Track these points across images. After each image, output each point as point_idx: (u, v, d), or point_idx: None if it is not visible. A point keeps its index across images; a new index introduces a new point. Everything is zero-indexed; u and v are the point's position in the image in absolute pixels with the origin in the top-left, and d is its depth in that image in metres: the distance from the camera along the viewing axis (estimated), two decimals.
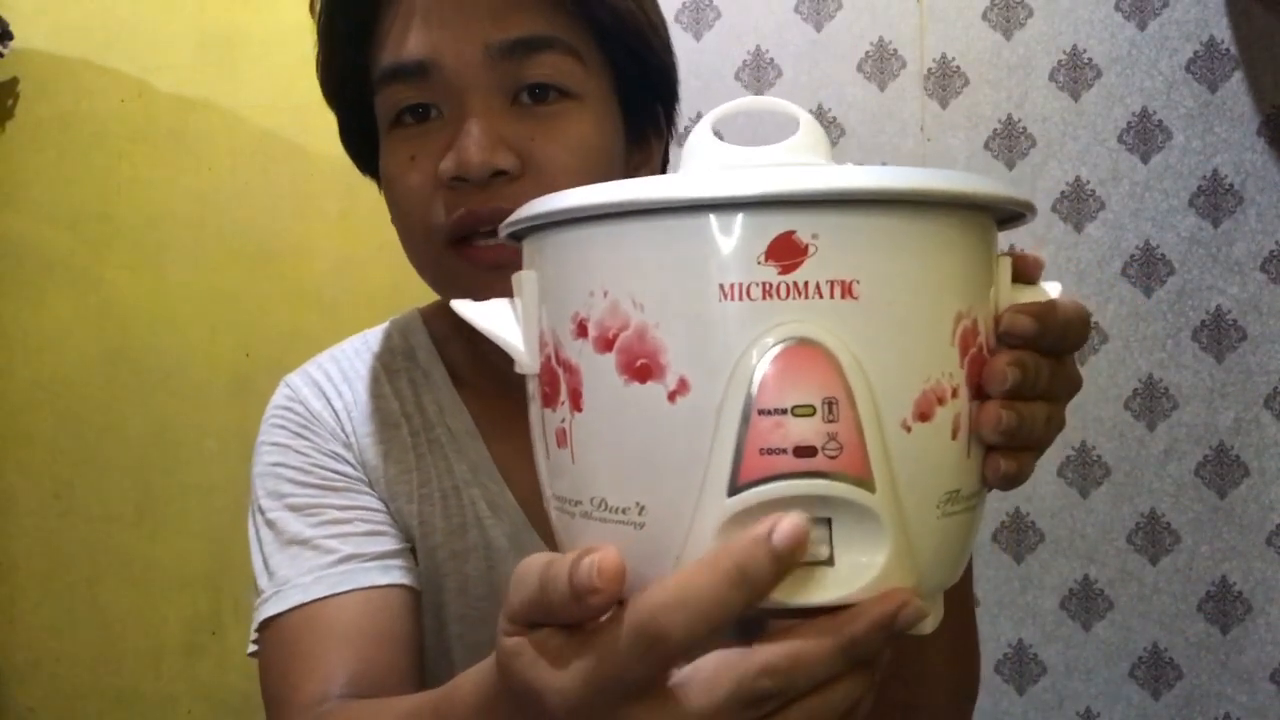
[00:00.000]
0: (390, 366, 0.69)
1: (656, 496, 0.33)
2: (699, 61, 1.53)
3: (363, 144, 0.65)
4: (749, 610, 0.31)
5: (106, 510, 1.69)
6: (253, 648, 0.63)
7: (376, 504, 0.65)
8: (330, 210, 1.64)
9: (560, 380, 0.35)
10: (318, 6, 0.63)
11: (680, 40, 1.53)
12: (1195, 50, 1.44)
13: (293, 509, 0.64)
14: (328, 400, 0.67)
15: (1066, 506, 1.47)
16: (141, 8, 1.69)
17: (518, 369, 0.37)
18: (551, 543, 0.65)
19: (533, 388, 0.37)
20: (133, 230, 1.69)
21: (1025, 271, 0.38)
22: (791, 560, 0.30)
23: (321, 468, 0.65)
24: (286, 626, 0.59)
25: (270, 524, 0.64)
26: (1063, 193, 1.47)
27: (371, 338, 0.72)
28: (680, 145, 0.73)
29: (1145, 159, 1.46)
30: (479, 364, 0.69)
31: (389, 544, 0.63)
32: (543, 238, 0.36)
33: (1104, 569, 1.46)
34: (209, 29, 1.68)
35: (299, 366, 0.71)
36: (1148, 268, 1.46)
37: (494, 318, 0.37)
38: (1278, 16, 1.42)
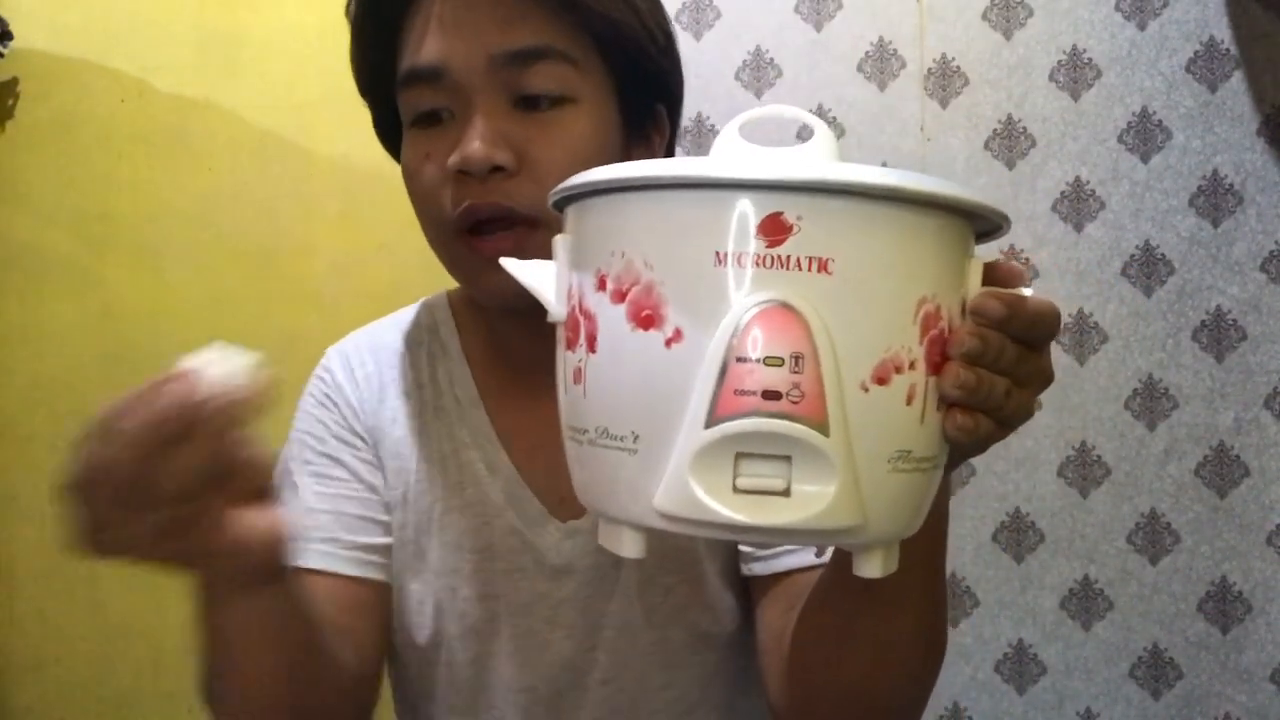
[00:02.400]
0: (415, 340, 0.77)
1: (648, 426, 0.38)
2: (699, 61, 1.52)
3: (395, 136, 0.71)
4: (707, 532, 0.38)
5: None
6: None
7: (374, 481, 0.72)
8: (330, 210, 1.64)
9: (581, 327, 0.41)
10: (352, 9, 0.69)
11: (680, 40, 1.52)
12: (1195, 50, 1.45)
13: (312, 475, 0.72)
14: (352, 370, 0.75)
15: (1066, 506, 1.47)
16: (141, 8, 1.69)
17: (550, 318, 0.43)
18: (543, 498, 0.71)
19: (559, 334, 0.43)
20: (133, 230, 1.69)
21: (1009, 278, 0.42)
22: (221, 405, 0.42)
23: (336, 438, 0.73)
24: None
25: (292, 484, 0.72)
26: (1063, 193, 1.47)
27: (405, 314, 0.80)
28: (684, 142, 0.75)
29: (1145, 159, 1.46)
30: (490, 342, 0.75)
31: (372, 534, 0.71)
32: (580, 206, 0.42)
33: (1104, 569, 1.46)
34: (209, 29, 1.68)
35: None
36: (1148, 268, 1.46)
37: (533, 273, 0.43)
38: (1278, 16, 1.42)
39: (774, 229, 0.36)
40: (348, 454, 0.73)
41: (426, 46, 0.62)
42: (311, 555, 0.68)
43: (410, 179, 0.66)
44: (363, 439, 0.73)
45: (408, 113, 0.65)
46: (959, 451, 0.43)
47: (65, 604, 1.69)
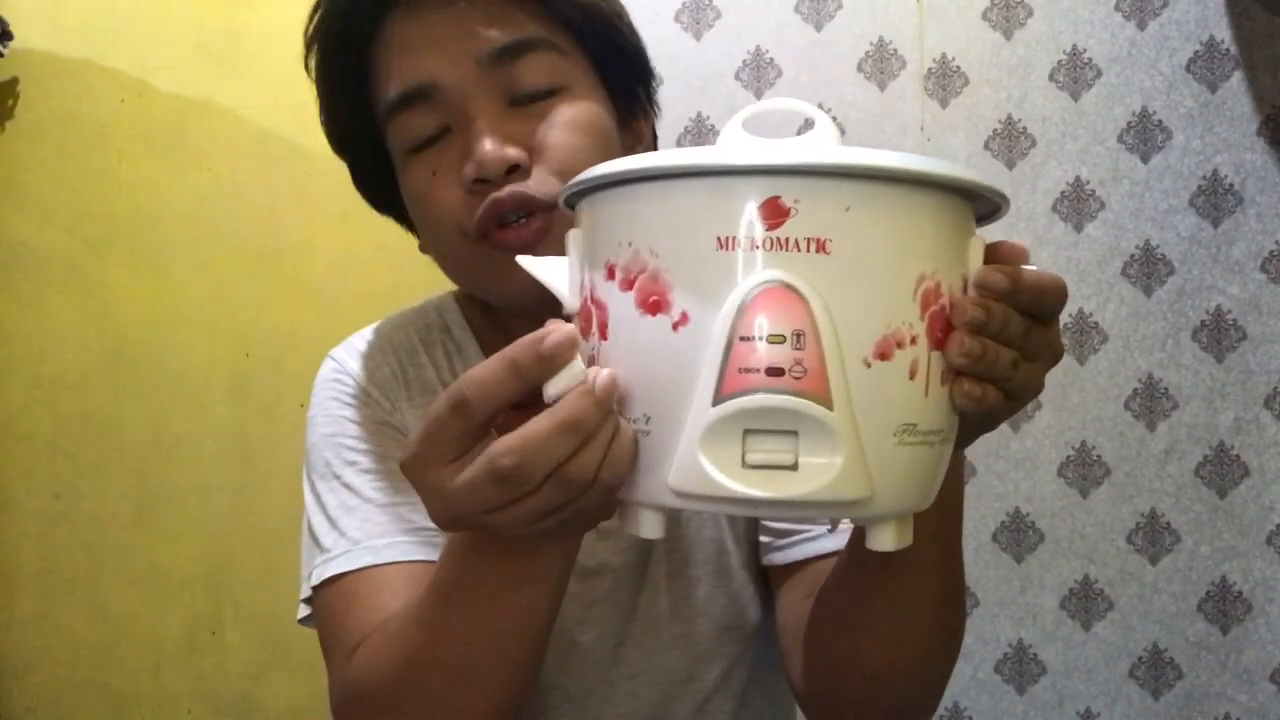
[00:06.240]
0: (427, 339, 0.75)
1: (659, 407, 0.40)
2: (699, 61, 1.52)
3: (379, 184, 0.70)
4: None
5: (106, 510, 1.69)
6: (307, 592, 0.67)
7: None
8: (330, 210, 1.64)
9: (593, 316, 0.42)
10: (312, 64, 0.68)
11: (680, 40, 1.53)
12: (1195, 50, 1.45)
13: (364, 472, 0.68)
14: (373, 370, 0.73)
15: (1066, 506, 1.47)
16: (141, 8, 1.69)
17: (564, 311, 0.45)
18: None
19: (574, 325, 0.44)
20: (133, 230, 1.69)
21: (1011, 255, 0.42)
22: (555, 361, 0.40)
23: (379, 435, 0.70)
24: (353, 582, 0.64)
25: (344, 487, 0.68)
26: (1063, 193, 1.47)
27: (409, 313, 0.78)
28: (684, 142, 0.75)
29: (1145, 159, 1.46)
30: (506, 342, 0.72)
31: None
32: (589, 201, 0.44)
33: (1104, 569, 1.46)
34: (209, 29, 1.68)
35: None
36: (1148, 268, 1.46)
37: (548, 269, 0.45)
38: (1278, 16, 1.42)
39: (773, 212, 0.37)
40: (393, 447, 0.70)
41: (408, 67, 0.62)
42: (403, 548, 0.64)
43: (422, 202, 0.64)
44: (401, 433, 0.71)
45: (403, 143, 0.64)
46: (969, 424, 0.43)
47: (65, 604, 1.69)
